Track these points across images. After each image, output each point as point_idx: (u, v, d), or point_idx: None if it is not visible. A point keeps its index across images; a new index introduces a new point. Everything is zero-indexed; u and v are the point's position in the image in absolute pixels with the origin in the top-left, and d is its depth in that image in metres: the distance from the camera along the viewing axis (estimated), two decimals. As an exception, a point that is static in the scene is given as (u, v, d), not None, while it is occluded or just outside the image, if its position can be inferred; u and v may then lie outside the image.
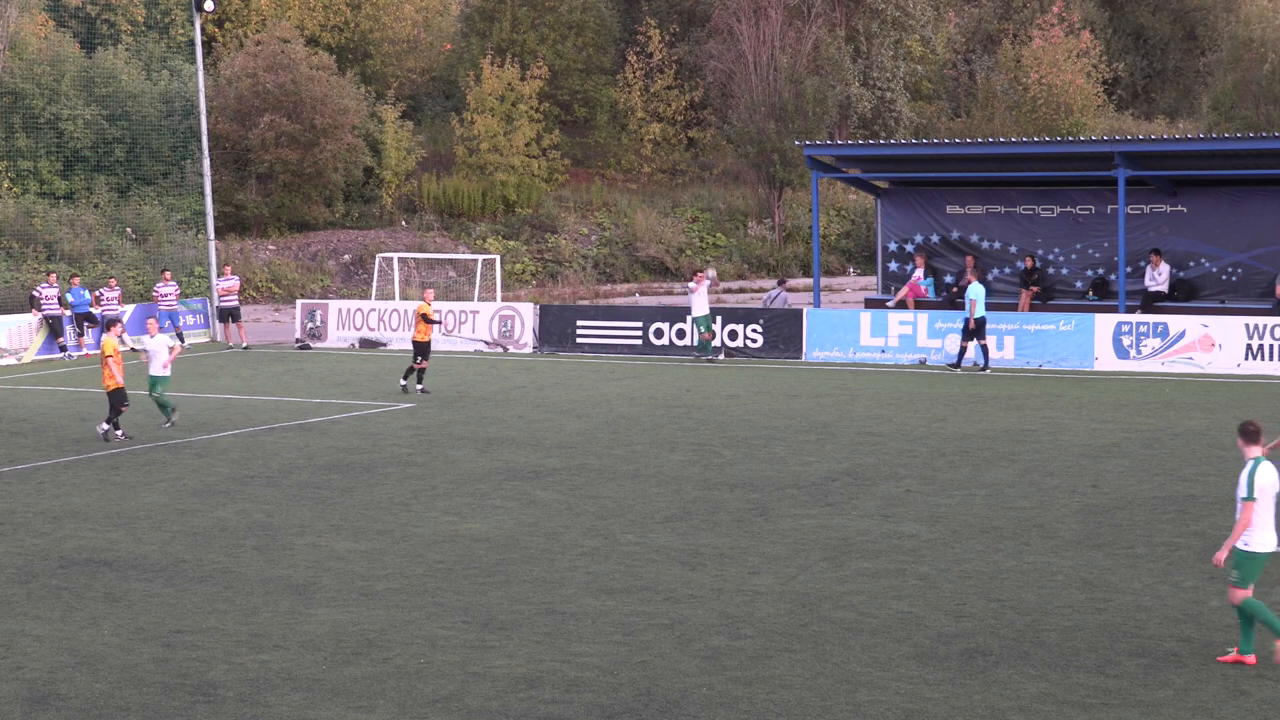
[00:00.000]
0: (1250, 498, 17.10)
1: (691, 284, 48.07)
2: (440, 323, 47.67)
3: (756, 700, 16.57)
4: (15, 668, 18.20)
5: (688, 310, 48.14)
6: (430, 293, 43.43)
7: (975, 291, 43.72)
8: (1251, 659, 17.23)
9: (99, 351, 35.49)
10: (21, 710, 16.74)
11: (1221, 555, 17.42)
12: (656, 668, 17.69)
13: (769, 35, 75.87)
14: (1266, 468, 17.22)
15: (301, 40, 74.72)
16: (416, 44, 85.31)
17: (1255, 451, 17.36)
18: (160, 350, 35.60)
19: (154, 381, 35.59)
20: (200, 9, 59.70)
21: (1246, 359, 42.44)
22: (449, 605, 20.51)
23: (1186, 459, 29.95)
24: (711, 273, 50.52)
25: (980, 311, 43.65)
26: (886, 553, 22.76)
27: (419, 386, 40.65)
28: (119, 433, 34.55)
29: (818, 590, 20.83)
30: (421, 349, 41.02)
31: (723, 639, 18.76)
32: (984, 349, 43.90)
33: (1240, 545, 17.22)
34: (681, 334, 48.69)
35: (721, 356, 47.39)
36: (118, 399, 34.53)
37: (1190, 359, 43.03)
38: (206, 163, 60.31)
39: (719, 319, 48.83)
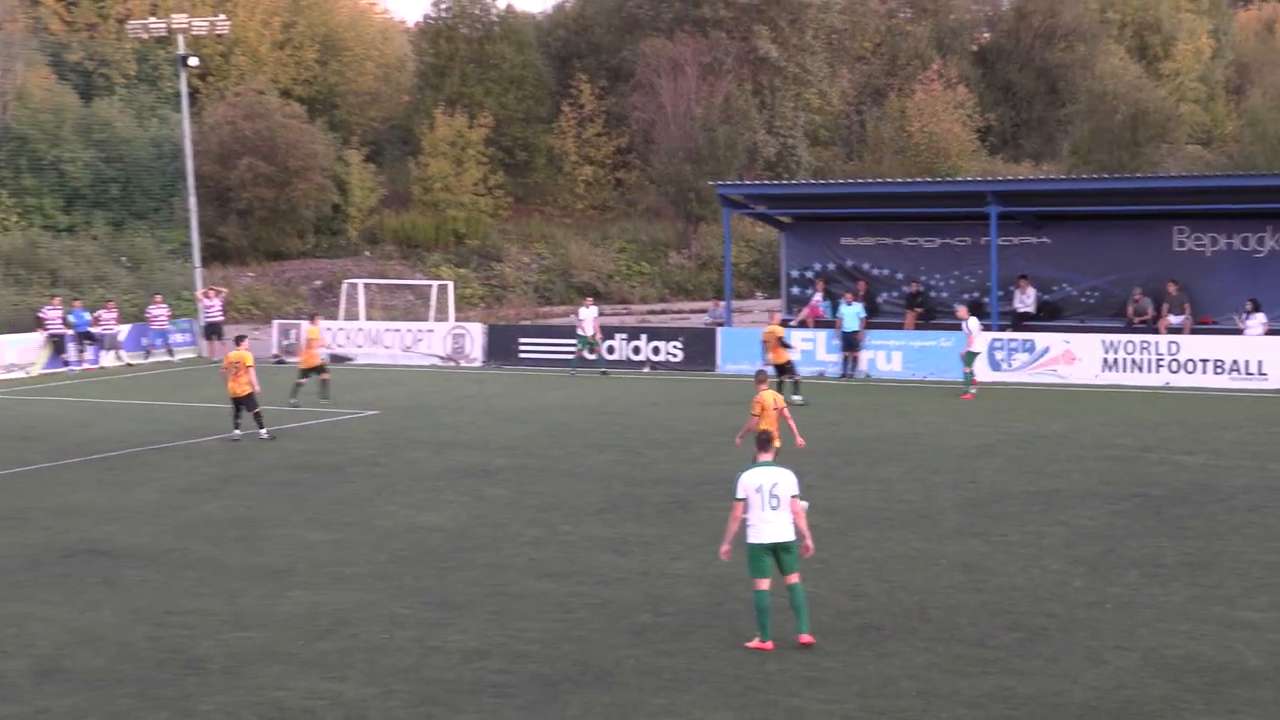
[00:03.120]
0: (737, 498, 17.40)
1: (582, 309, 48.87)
2: (328, 346, 47.18)
3: (679, 669, 16.60)
4: (25, 645, 18.08)
5: (598, 331, 48.36)
6: (319, 319, 43.86)
7: (844, 311, 45.25)
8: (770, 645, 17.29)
9: (233, 362, 34.68)
10: (31, 682, 16.63)
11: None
12: (591, 642, 17.70)
13: (686, 89, 76.01)
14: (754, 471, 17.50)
15: (276, 92, 74.37)
16: (378, 96, 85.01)
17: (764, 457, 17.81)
18: None
19: None
20: (185, 64, 59.49)
21: (1103, 370, 42.81)
22: (409, 588, 20.47)
23: (1052, 458, 30.15)
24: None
25: (850, 327, 44.82)
26: (791, 540, 22.81)
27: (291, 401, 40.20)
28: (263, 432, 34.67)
29: (731, 574, 20.82)
30: (318, 369, 41.06)
31: (649, 616, 18.79)
32: (853, 360, 44.74)
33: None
34: (611, 350, 48.74)
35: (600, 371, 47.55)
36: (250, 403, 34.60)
37: (1054, 371, 43.35)
38: (192, 199, 59.99)
39: (644, 336, 49.05)
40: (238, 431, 34.75)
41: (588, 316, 48.03)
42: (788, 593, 17.33)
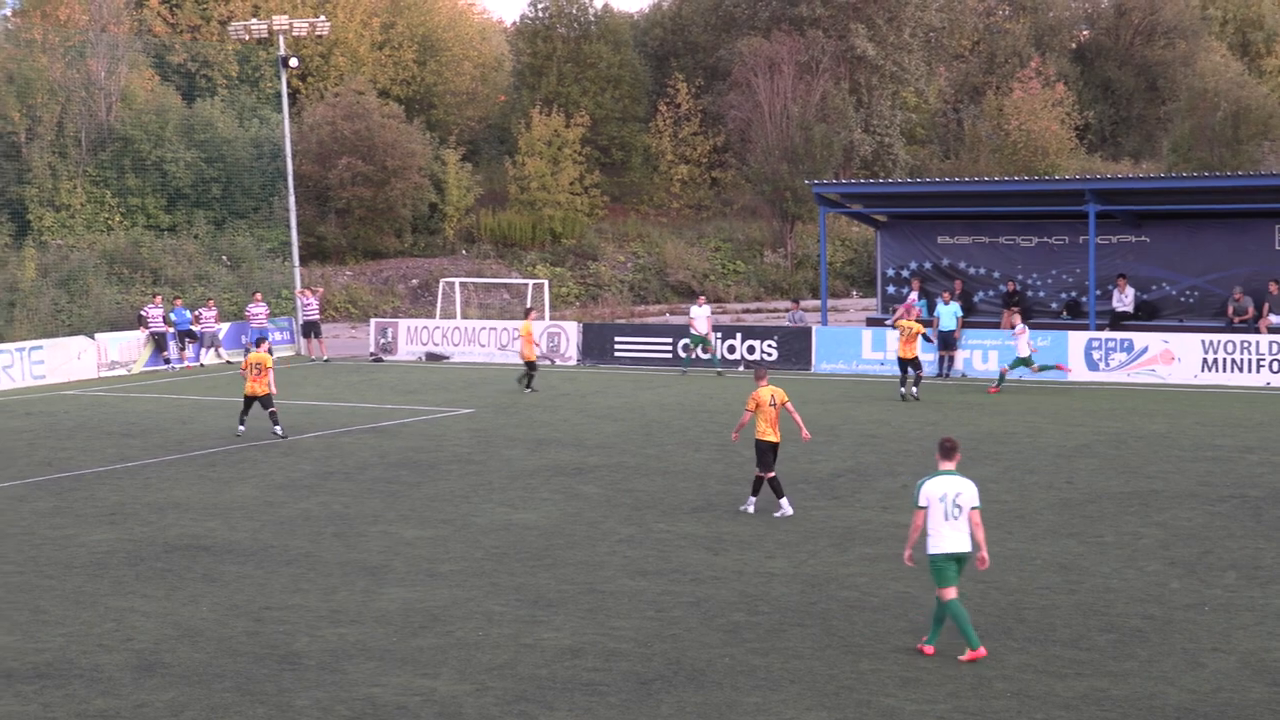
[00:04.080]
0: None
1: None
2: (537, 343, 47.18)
3: (773, 669, 16.56)
4: (126, 639, 18.27)
5: (711, 329, 48.11)
6: (534, 314, 45.75)
7: (941, 310, 44.96)
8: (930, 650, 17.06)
9: (253, 363, 35.35)
10: (130, 677, 16.80)
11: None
12: (685, 640, 17.69)
13: (782, 88, 75.82)
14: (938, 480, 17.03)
15: (374, 92, 74.89)
16: (475, 96, 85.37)
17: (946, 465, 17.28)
18: None
19: None
20: (286, 65, 59.90)
21: (1202, 371, 42.29)
22: (503, 585, 20.53)
23: (1149, 458, 29.84)
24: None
25: (947, 326, 44.54)
26: (885, 540, 22.73)
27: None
28: None
29: (825, 572, 20.81)
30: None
31: (742, 615, 18.75)
32: (950, 359, 44.54)
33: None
34: (695, 343, 48.63)
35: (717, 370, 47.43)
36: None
37: (1153, 371, 42.88)
38: (291, 199, 60.45)
39: (738, 335, 48.95)
40: (242, 428, 35.18)
41: (700, 315, 47.76)
42: (935, 599, 17.10)
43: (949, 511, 16.79)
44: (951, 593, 16.79)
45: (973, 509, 16.90)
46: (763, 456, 24.90)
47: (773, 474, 24.77)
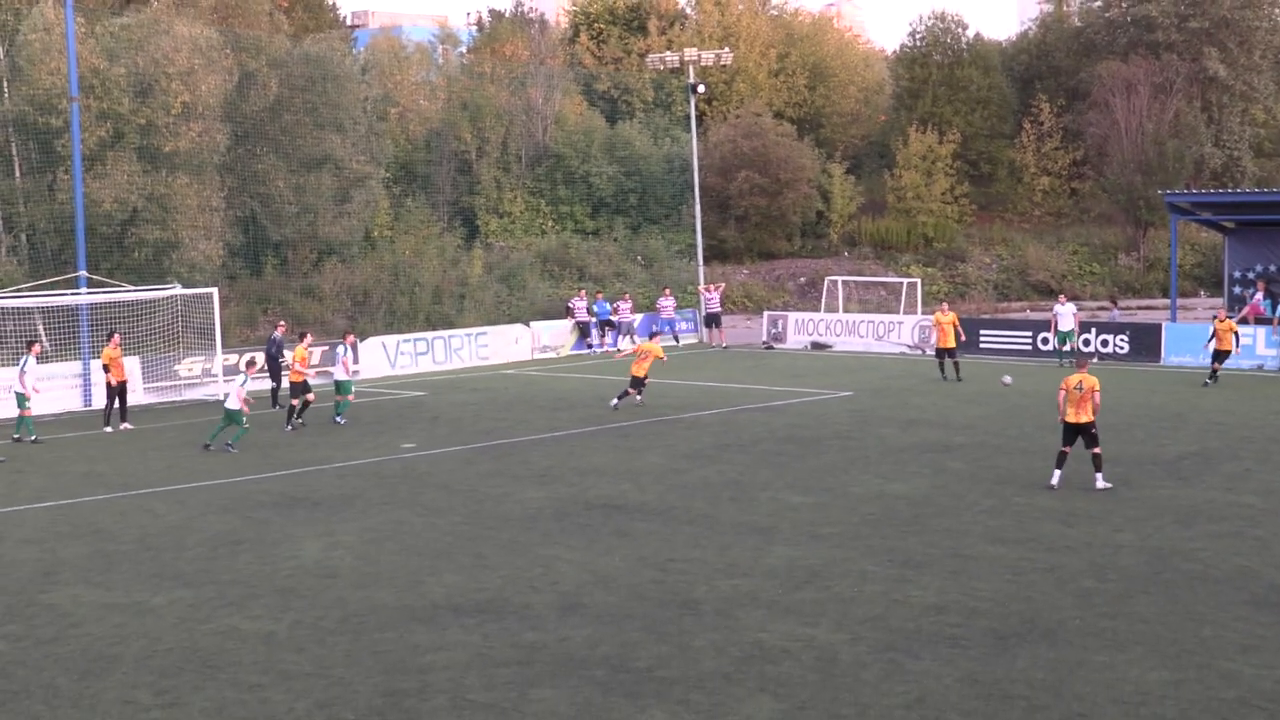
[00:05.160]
0: None
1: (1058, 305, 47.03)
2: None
3: (1119, 631, 16.12)
4: (551, 583, 18.79)
5: (1078, 325, 46.69)
6: (944, 306, 44.42)
7: None
8: None
9: (641, 349, 36.32)
10: (555, 615, 17.28)
11: None
12: (1039, 602, 17.35)
13: (1138, 107, 73.57)
14: None
15: (770, 114, 75.17)
16: (858, 116, 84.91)
17: None
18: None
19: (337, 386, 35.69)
20: (694, 91, 60.63)
21: None
22: (876, 547, 20.45)
23: None
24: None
25: None
26: (1228, 518, 21.88)
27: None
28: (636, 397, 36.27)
29: (1170, 546, 20.14)
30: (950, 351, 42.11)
31: (1092, 582, 18.29)
32: None
33: None
34: (1062, 340, 47.37)
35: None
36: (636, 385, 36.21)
37: None
38: (698, 207, 61.16)
39: (1093, 330, 47.57)
40: (616, 402, 36.25)
41: (1066, 312, 46.23)
42: None
43: None
44: None
45: None
46: (1066, 434, 24.53)
47: (1095, 450, 24.36)
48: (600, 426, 33.55)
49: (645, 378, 36.73)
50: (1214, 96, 78.58)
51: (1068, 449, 24.54)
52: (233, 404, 31.17)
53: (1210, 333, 40.20)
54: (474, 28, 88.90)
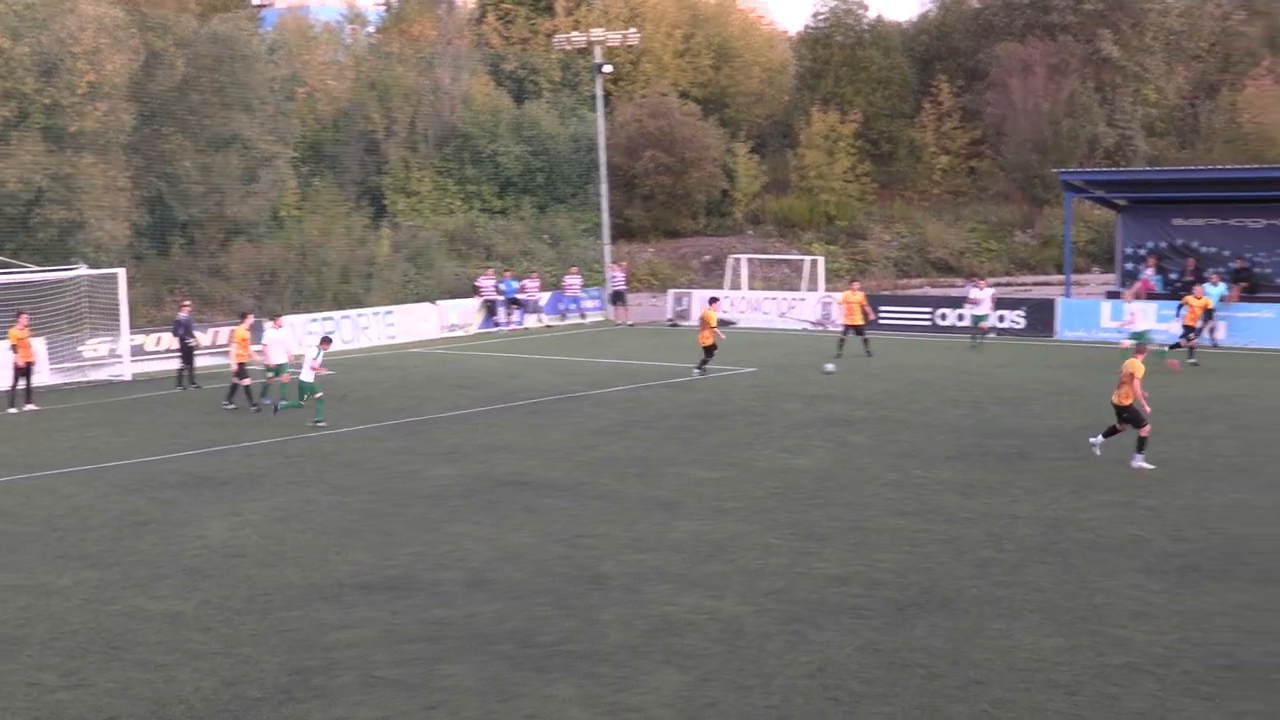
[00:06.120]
0: None
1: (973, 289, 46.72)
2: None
3: (1015, 599, 16.30)
4: (459, 560, 18.72)
5: (969, 303, 46.76)
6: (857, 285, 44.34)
7: (1209, 290, 42.40)
8: None
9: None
10: (464, 591, 17.22)
11: None
12: (937, 573, 17.51)
13: (1034, 87, 74.33)
14: None
15: (676, 94, 75.18)
16: (762, 96, 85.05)
17: None
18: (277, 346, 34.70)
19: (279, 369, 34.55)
20: (601, 72, 60.54)
21: None
22: (781, 521, 20.54)
23: (1367, 420, 28.58)
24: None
25: (1216, 305, 42.42)
26: (1120, 488, 22.18)
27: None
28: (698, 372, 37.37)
29: (1064, 516, 20.39)
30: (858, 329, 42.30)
31: (989, 552, 18.48)
32: (1211, 331, 42.65)
33: None
34: (961, 317, 47.71)
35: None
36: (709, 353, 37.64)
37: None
38: (604, 186, 61.10)
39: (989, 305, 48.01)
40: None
41: (985, 297, 45.89)
42: None
43: None
44: None
45: None
46: (1116, 414, 24.46)
47: (1142, 430, 24.12)
48: (508, 404, 33.45)
49: (714, 346, 38.06)
50: (1108, 77, 79.50)
51: (1118, 426, 24.44)
52: (306, 375, 31.44)
53: (1178, 309, 40.23)
54: (382, 8, 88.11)
